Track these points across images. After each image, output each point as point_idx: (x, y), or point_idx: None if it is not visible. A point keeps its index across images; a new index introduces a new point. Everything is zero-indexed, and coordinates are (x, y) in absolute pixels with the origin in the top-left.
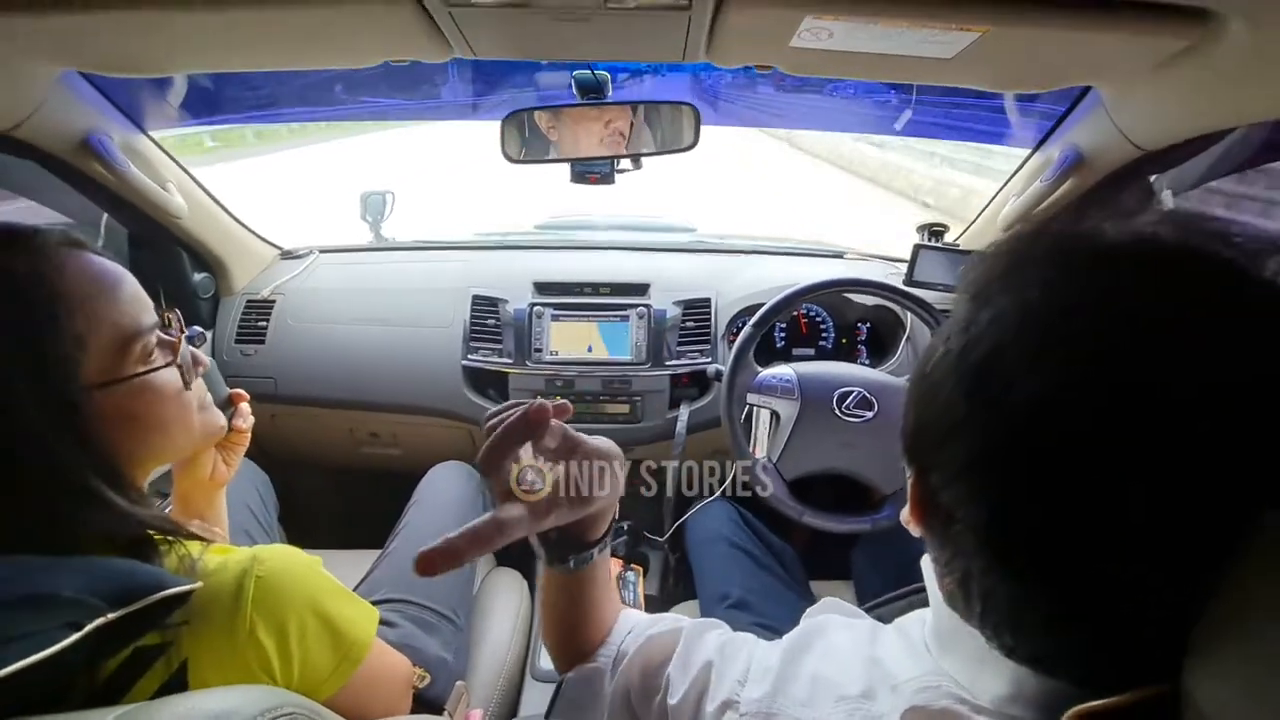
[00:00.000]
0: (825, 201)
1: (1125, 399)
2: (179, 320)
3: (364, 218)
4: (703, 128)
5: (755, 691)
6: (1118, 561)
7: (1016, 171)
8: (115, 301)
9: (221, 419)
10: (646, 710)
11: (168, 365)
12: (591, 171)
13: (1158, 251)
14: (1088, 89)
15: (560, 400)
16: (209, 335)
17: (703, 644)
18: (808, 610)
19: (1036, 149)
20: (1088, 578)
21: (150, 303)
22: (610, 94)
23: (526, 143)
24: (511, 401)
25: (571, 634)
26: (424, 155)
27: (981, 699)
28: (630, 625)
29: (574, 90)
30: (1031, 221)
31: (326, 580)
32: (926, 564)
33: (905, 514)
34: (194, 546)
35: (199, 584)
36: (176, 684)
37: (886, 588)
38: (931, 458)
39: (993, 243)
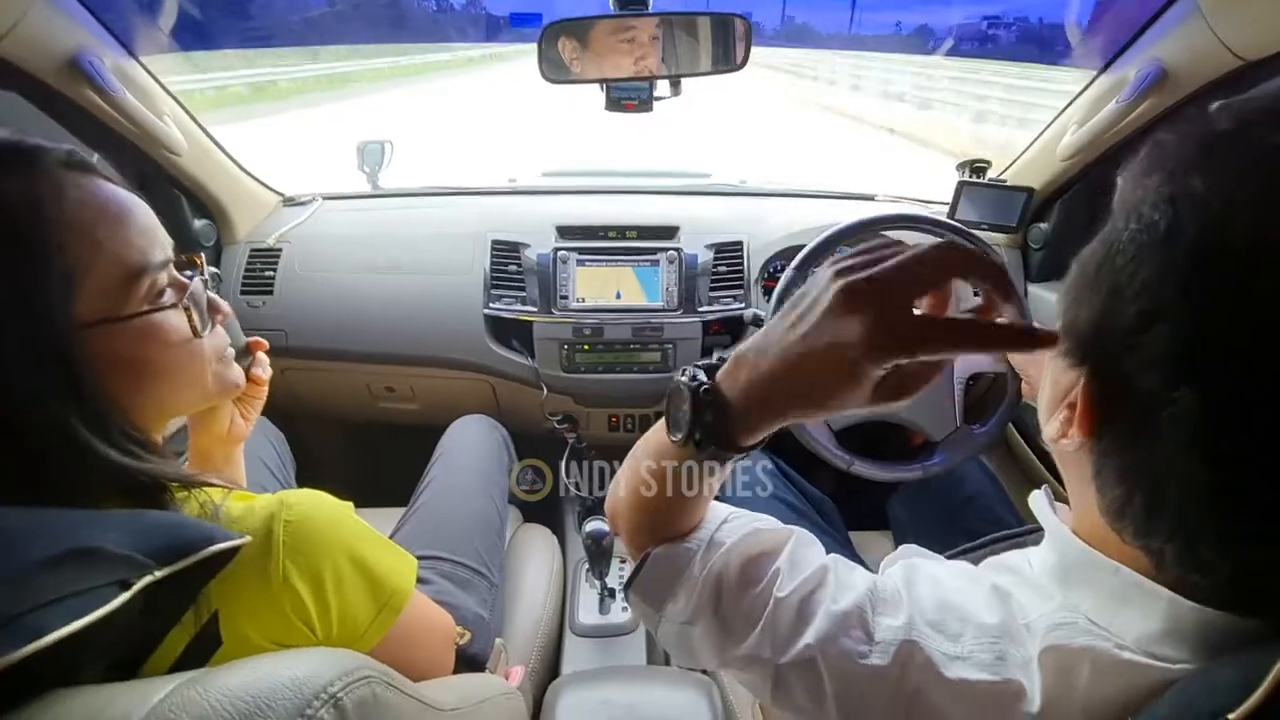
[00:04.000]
0: (827, 144)
1: None
2: (202, 262)
3: (361, 168)
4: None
5: (890, 619)
6: None
7: (1076, 98)
8: (122, 233)
9: (240, 375)
10: (739, 598)
11: (173, 306)
12: (628, 98)
13: None
14: None
15: None
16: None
17: (815, 549)
18: (886, 558)
19: (1104, 70)
20: None
21: (166, 238)
22: (651, 4)
23: (561, 62)
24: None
25: (665, 516)
26: (421, 113)
27: (1125, 638)
28: (724, 514)
29: (610, 1)
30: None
31: (360, 525)
32: (1039, 499)
33: (1052, 431)
34: (215, 493)
35: (248, 538)
36: (209, 637)
37: (926, 537)
38: (1125, 344)
39: (1190, 113)
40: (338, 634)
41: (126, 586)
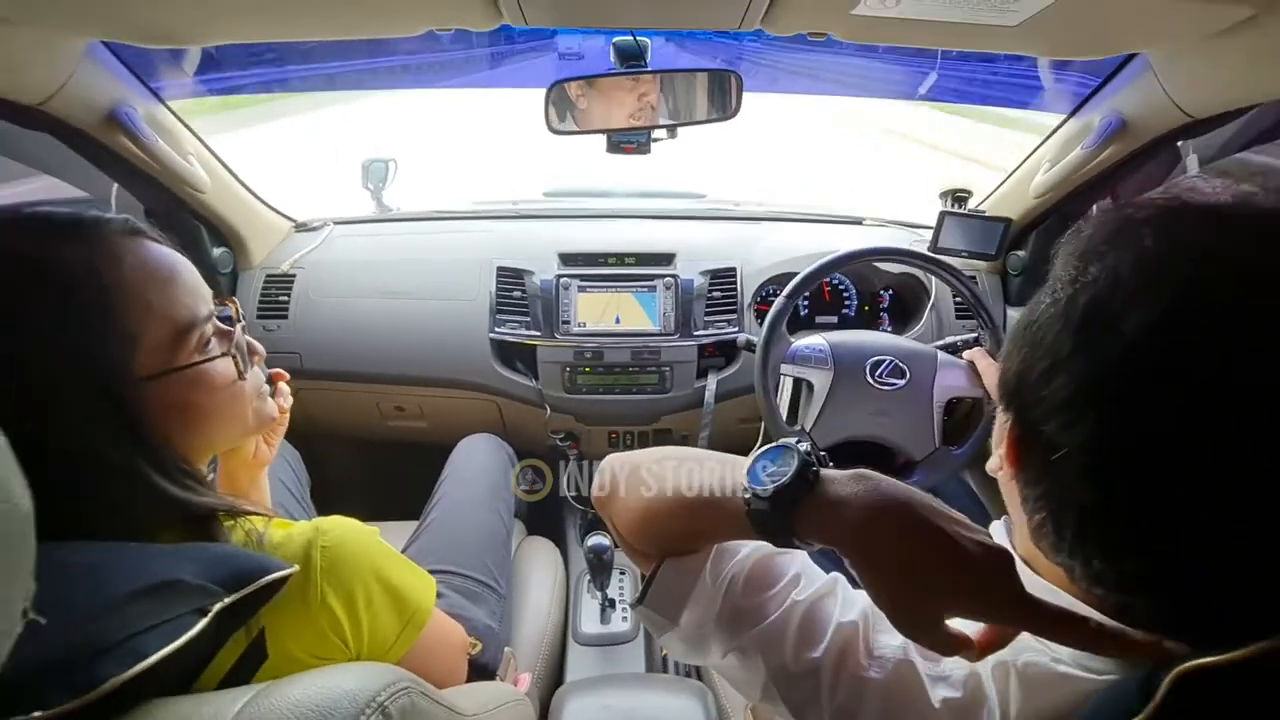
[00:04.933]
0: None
1: (1226, 334)
2: (238, 309)
3: (365, 186)
4: None
5: (889, 637)
6: (1209, 487)
7: (1048, 138)
8: (172, 292)
9: (274, 407)
10: (748, 597)
11: (223, 355)
12: (628, 142)
13: (1261, 213)
14: (1135, 54)
15: None
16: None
17: (815, 568)
18: None
19: (1072, 115)
20: (1180, 497)
21: (208, 291)
22: (650, 61)
23: (566, 114)
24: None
25: (683, 535)
26: (423, 122)
27: (1060, 652)
28: None
29: (612, 58)
30: (1131, 197)
31: (385, 548)
32: (997, 529)
33: (993, 463)
34: (258, 521)
35: (296, 567)
36: (256, 652)
37: None
38: (1033, 396)
39: (1097, 213)
40: (368, 648)
41: (204, 613)
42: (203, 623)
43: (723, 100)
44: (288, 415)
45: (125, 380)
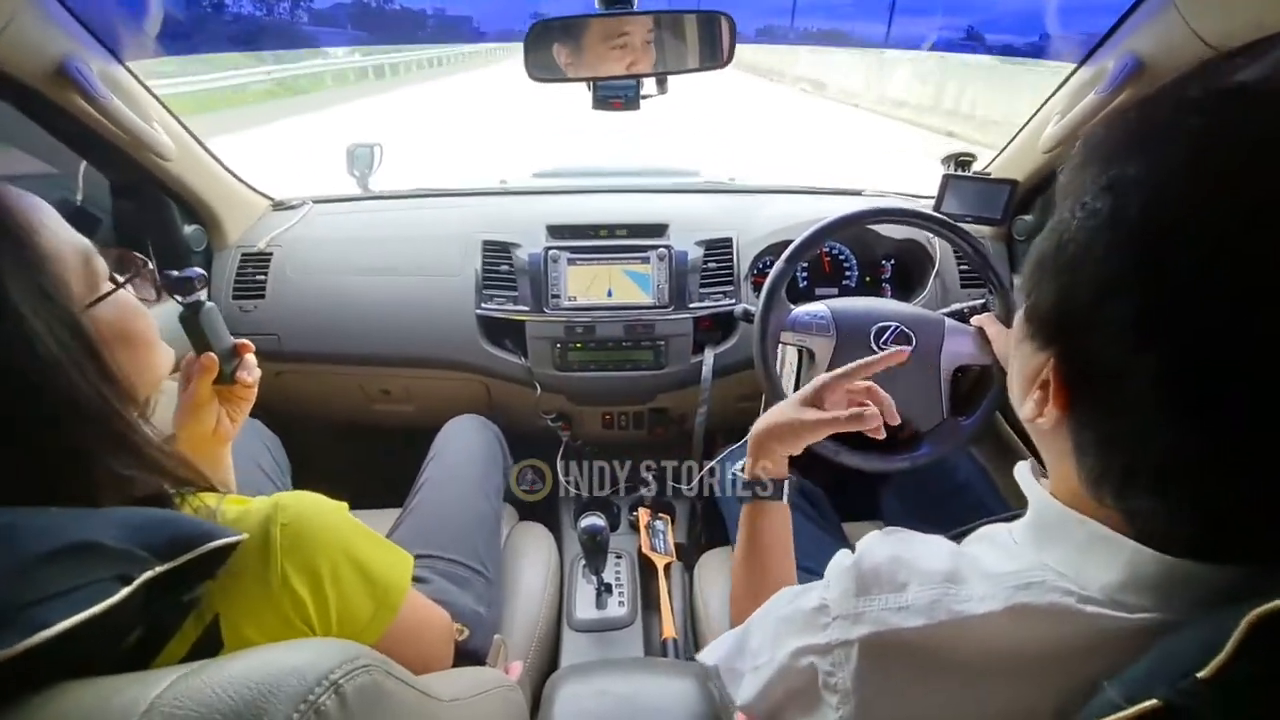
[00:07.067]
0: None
1: None
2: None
3: (351, 172)
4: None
5: (837, 592)
6: None
7: (1057, 90)
8: (58, 223)
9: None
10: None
11: (131, 279)
12: (615, 96)
13: None
14: None
15: None
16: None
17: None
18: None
19: (1084, 62)
20: None
21: None
22: (637, 2)
23: (548, 60)
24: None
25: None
26: (408, 117)
27: (1090, 588)
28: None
29: (597, 2)
30: (1158, 88)
31: (354, 524)
32: (1023, 468)
33: (1030, 410)
34: (209, 498)
35: (245, 535)
36: (210, 641)
37: (917, 527)
38: (1085, 324)
39: (1116, 108)
40: (337, 633)
41: (128, 581)
42: (124, 591)
43: (716, 46)
44: (254, 390)
45: (75, 307)
